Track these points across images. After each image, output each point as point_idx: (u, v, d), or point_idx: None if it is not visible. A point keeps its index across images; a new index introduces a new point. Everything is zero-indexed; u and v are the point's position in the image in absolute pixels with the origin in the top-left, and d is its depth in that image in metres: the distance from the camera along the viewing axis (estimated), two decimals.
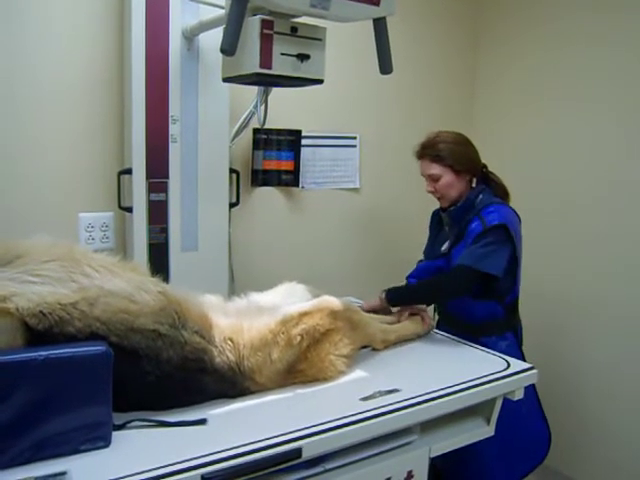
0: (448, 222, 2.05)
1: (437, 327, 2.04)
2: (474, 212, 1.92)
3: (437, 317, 2.16)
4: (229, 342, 1.35)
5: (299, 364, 1.43)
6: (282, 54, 1.51)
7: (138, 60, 1.84)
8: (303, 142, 2.42)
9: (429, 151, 1.98)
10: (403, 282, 2.15)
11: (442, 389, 1.45)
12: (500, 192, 2.02)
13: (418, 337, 1.86)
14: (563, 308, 2.59)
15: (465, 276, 1.81)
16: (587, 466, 2.55)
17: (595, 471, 2.53)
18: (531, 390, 1.92)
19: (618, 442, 2.43)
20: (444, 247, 2.02)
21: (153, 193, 1.92)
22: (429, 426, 1.49)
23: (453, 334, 1.93)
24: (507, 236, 1.85)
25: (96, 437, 1.14)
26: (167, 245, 1.97)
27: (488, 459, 1.92)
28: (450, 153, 1.95)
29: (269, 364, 1.38)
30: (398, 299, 1.90)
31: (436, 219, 2.18)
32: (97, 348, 1.14)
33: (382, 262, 2.71)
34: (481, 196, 1.96)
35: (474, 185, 2.03)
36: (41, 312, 1.14)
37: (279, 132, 2.35)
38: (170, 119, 1.92)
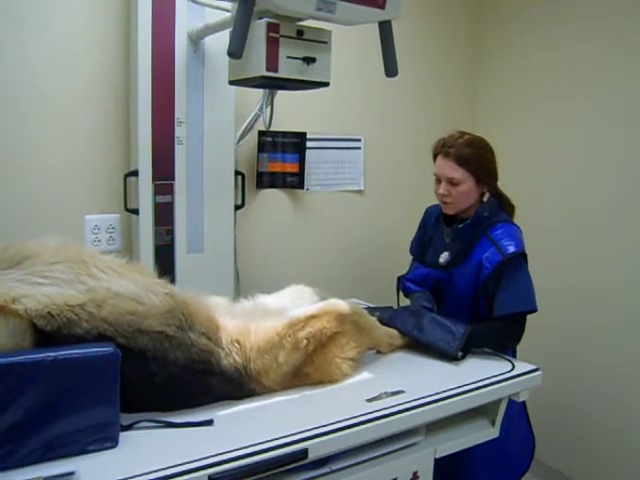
0: (451, 235, 1.92)
1: None
2: (481, 230, 1.83)
3: None
4: (236, 344, 1.35)
5: (305, 367, 1.43)
6: (288, 57, 1.52)
7: (144, 62, 1.85)
8: (308, 144, 2.43)
9: (454, 151, 1.82)
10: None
11: (447, 390, 1.46)
12: (508, 207, 1.92)
13: None
14: (563, 308, 2.61)
15: (523, 323, 1.78)
16: (594, 467, 2.56)
17: (602, 472, 2.54)
18: None
19: (625, 441, 2.43)
20: (442, 259, 1.92)
21: (159, 195, 1.93)
22: (434, 427, 1.50)
23: None
24: (526, 262, 1.79)
25: (104, 438, 1.14)
26: (173, 247, 1.97)
27: (485, 465, 1.89)
28: (477, 160, 1.82)
29: (275, 367, 1.38)
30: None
31: (434, 218, 2.04)
32: (105, 349, 1.15)
33: (386, 264, 2.70)
34: (487, 212, 1.85)
35: (484, 199, 1.90)
36: (49, 313, 1.15)
37: (284, 134, 2.36)
38: (176, 121, 1.93)
